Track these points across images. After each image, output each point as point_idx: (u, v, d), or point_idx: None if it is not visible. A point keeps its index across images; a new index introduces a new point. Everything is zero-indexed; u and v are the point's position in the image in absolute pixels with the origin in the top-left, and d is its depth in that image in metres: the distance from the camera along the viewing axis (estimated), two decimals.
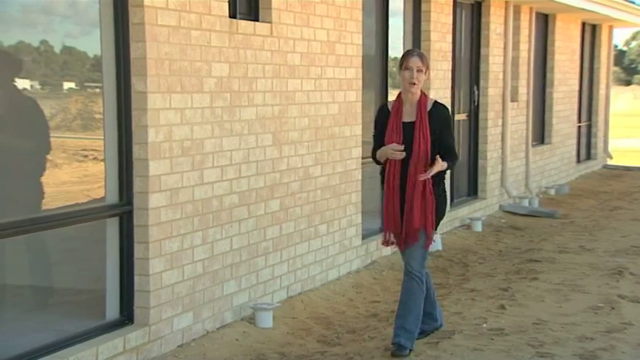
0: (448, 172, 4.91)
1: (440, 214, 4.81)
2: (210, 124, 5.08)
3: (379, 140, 4.84)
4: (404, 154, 4.67)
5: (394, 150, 4.67)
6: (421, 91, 4.77)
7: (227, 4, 5.18)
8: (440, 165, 4.64)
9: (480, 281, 6.71)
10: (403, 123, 4.73)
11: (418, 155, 4.67)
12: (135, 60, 4.53)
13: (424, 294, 4.83)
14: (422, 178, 4.61)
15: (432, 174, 4.61)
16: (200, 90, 4.96)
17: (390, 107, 4.85)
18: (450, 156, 4.74)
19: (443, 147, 4.72)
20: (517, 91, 10.78)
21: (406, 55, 4.78)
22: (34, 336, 4.40)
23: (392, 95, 8.02)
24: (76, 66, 5.91)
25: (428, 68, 4.75)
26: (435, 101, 4.84)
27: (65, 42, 5.64)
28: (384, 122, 4.81)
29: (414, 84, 4.68)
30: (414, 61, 4.69)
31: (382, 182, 4.89)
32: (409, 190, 4.68)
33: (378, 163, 4.91)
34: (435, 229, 4.78)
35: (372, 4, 7.38)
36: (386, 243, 4.91)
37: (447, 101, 8.73)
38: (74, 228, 4.57)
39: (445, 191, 4.87)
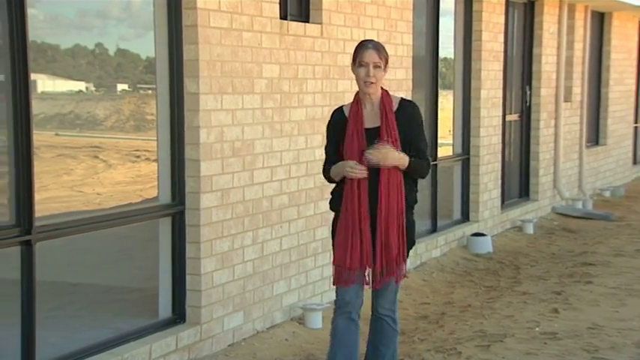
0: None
1: (411, 243, 3.97)
2: (261, 124, 5.11)
3: (335, 153, 3.93)
4: (365, 173, 3.77)
5: (352, 168, 3.77)
6: (382, 88, 3.91)
7: (278, 5, 5.21)
8: (398, 156, 3.76)
9: (532, 284, 6.60)
10: (366, 130, 3.84)
11: (389, 169, 3.78)
12: (187, 62, 4.58)
13: (398, 333, 4.02)
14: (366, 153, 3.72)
15: (378, 158, 3.72)
16: (251, 91, 4.99)
17: (346, 111, 3.94)
18: (418, 160, 3.87)
19: (412, 150, 3.86)
20: (571, 91, 10.57)
21: (360, 47, 3.88)
22: (90, 333, 4.50)
23: (442, 96, 7.97)
24: (129, 68, 6.03)
25: (387, 62, 3.87)
26: (402, 99, 3.99)
27: (119, 44, 5.75)
28: (340, 130, 3.89)
29: (372, 83, 3.83)
30: (370, 55, 3.81)
31: (335, 205, 3.95)
32: (382, 214, 3.76)
33: (332, 181, 4.01)
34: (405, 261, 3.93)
35: (422, 5, 7.33)
36: (345, 283, 3.86)
37: (497, 102, 8.63)
38: (127, 227, 4.65)
39: (413, 216, 4.00)
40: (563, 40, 9.97)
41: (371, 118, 3.87)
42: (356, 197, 3.78)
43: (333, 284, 3.95)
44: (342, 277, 3.85)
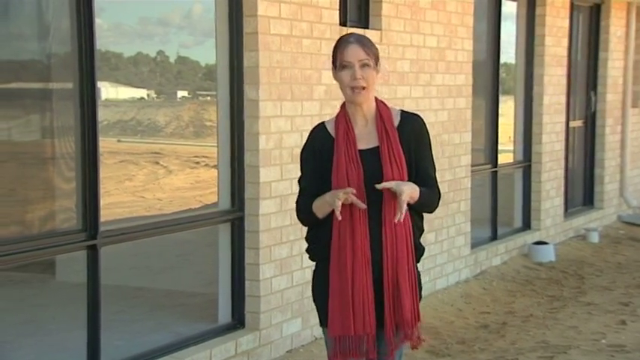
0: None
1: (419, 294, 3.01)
2: None
3: (315, 183, 2.93)
4: (363, 203, 2.83)
5: (347, 194, 2.77)
6: (376, 98, 2.98)
7: (337, 12, 5.20)
8: (409, 191, 2.80)
9: (598, 294, 6.41)
10: (360, 152, 2.90)
11: (393, 201, 2.82)
12: (248, 68, 4.62)
13: None
14: (397, 219, 2.79)
15: (403, 209, 2.77)
16: (310, 97, 5.00)
17: (331, 129, 2.97)
18: (429, 190, 2.94)
19: (419, 176, 2.93)
20: (639, 97, 10.27)
21: (339, 45, 2.94)
22: (152, 336, 4.57)
23: (504, 102, 7.84)
24: (189, 75, 6.13)
25: (377, 59, 2.94)
26: (403, 111, 3.02)
27: (179, 52, 5.85)
28: (324, 154, 2.91)
29: (363, 88, 2.88)
30: (354, 52, 2.87)
31: (320, 254, 2.96)
32: (389, 261, 2.84)
33: (309, 224, 3.01)
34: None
35: (483, 9, 7.24)
36: (352, 355, 2.89)
37: (560, 108, 8.43)
38: (187, 232, 4.71)
39: (417, 268, 3.02)
40: (630, 44, 9.70)
41: (365, 137, 2.92)
42: (356, 241, 2.83)
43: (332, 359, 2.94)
44: (345, 348, 2.89)
